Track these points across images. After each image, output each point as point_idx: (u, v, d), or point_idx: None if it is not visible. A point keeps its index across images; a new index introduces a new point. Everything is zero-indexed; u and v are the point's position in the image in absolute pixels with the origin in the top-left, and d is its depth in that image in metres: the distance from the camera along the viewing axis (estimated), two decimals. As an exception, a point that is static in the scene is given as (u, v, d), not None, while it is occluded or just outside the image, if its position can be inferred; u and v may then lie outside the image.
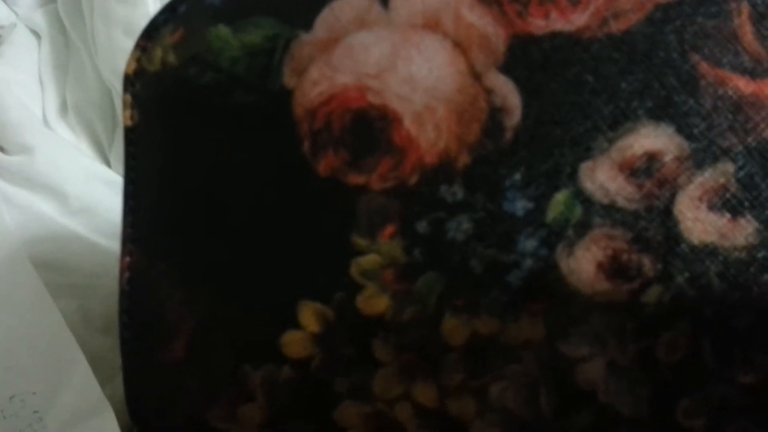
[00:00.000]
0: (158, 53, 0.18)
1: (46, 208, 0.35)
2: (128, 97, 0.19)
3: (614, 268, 0.15)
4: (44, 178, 0.35)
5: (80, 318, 0.34)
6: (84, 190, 0.36)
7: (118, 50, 0.34)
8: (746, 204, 0.15)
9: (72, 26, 0.39)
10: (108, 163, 0.39)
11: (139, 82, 0.19)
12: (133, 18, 0.33)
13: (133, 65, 0.19)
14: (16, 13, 0.41)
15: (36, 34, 0.41)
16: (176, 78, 0.18)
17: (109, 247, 0.35)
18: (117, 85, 0.36)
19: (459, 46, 0.16)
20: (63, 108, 0.40)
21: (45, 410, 0.29)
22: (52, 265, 0.34)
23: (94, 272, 0.34)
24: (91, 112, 0.39)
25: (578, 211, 0.15)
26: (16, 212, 0.35)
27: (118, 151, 0.38)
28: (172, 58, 0.18)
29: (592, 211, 0.15)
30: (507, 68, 0.16)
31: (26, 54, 0.40)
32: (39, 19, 0.40)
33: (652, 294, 0.15)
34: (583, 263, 0.15)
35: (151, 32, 0.19)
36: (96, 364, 0.30)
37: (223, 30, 0.17)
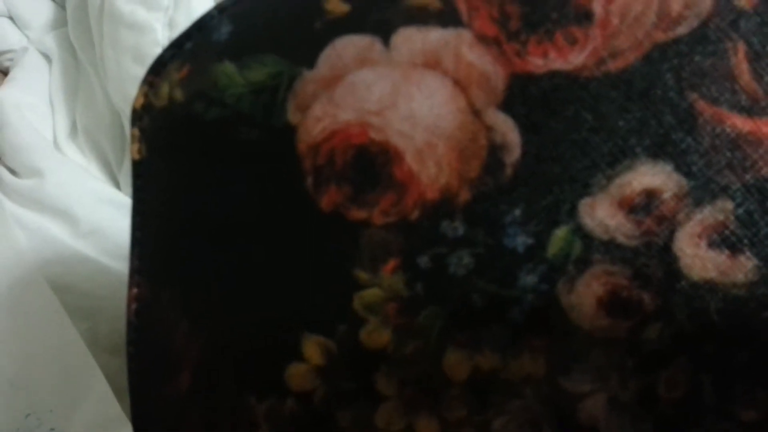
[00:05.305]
0: (165, 89, 0.19)
1: (56, 230, 0.35)
2: (136, 131, 0.19)
3: (614, 305, 0.15)
4: (54, 200, 0.36)
5: (89, 339, 0.34)
6: (93, 212, 0.36)
7: (127, 76, 0.34)
8: (745, 241, 0.15)
9: (82, 50, 0.39)
10: (117, 185, 0.39)
11: (146, 117, 0.19)
12: (141, 45, 0.34)
13: (141, 100, 0.19)
14: (27, 37, 0.41)
15: (47, 58, 0.41)
16: (182, 113, 0.18)
17: (117, 269, 0.35)
18: (126, 109, 0.36)
19: (459, 84, 0.16)
20: (73, 130, 0.40)
21: (62, 428, 0.29)
22: (63, 287, 0.34)
23: (103, 294, 0.35)
24: (100, 134, 0.39)
25: (578, 247, 0.15)
26: (27, 235, 0.35)
27: (127, 173, 0.38)
28: (178, 94, 0.18)
29: (592, 248, 0.15)
30: (506, 106, 0.16)
31: (37, 77, 0.40)
32: (50, 42, 0.41)
33: (653, 330, 0.15)
34: (584, 299, 0.15)
35: (159, 68, 0.19)
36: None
37: (228, 67, 0.18)
